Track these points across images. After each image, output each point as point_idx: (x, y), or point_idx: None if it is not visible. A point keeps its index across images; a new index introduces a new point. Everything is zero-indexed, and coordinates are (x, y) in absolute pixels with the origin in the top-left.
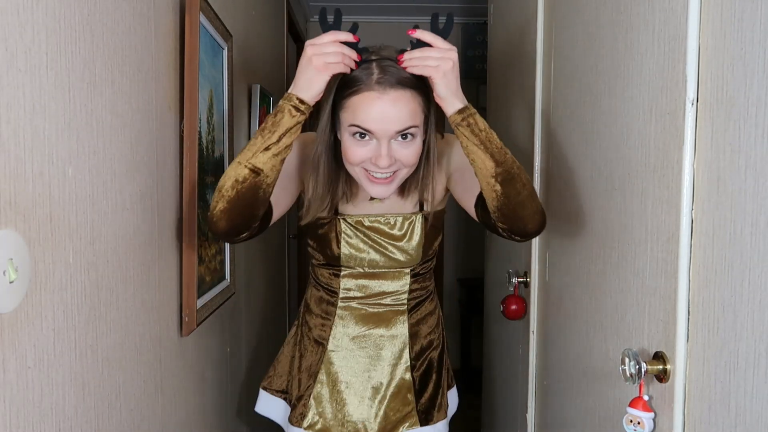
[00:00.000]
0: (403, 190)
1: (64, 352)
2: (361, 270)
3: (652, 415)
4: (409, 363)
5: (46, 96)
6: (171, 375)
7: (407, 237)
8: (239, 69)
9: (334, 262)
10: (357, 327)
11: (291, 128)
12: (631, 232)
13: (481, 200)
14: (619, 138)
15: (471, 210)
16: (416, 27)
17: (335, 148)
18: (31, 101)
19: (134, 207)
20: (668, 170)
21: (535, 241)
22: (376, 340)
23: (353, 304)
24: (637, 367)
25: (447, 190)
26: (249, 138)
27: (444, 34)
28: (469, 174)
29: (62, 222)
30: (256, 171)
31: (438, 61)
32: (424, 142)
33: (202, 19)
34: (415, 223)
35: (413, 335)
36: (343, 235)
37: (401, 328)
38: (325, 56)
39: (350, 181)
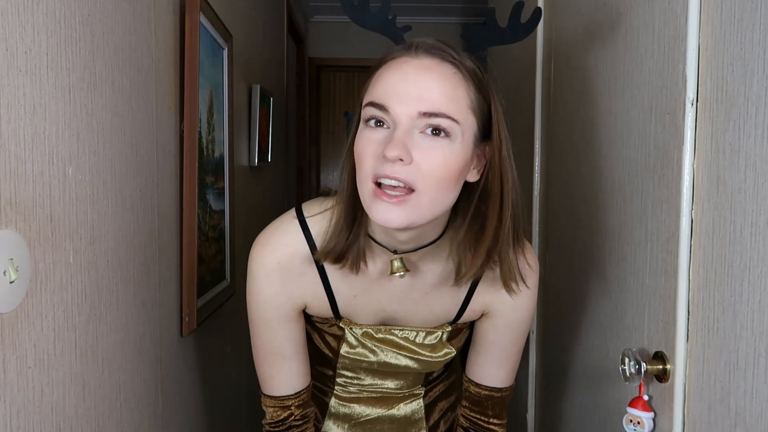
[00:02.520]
0: (458, 266)
1: (65, 352)
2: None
3: (652, 414)
4: None
5: (46, 96)
6: (171, 375)
7: (431, 349)
8: (239, 69)
9: (325, 361)
10: (359, 408)
11: None
12: (631, 232)
13: (474, 366)
14: (619, 138)
15: (467, 357)
16: None
17: None
18: (31, 101)
19: (134, 207)
20: (668, 170)
21: (535, 242)
22: (383, 427)
23: (352, 388)
24: (637, 366)
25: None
26: (249, 138)
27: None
28: (507, 338)
29: (62, 222)
30: None
31: None
32: (483, 175)
33: (202, 19)
34: (442, 336)
35: (430, 411)
36: (344, 343)
37: (416, 409)
38: None
39: (366, 242)
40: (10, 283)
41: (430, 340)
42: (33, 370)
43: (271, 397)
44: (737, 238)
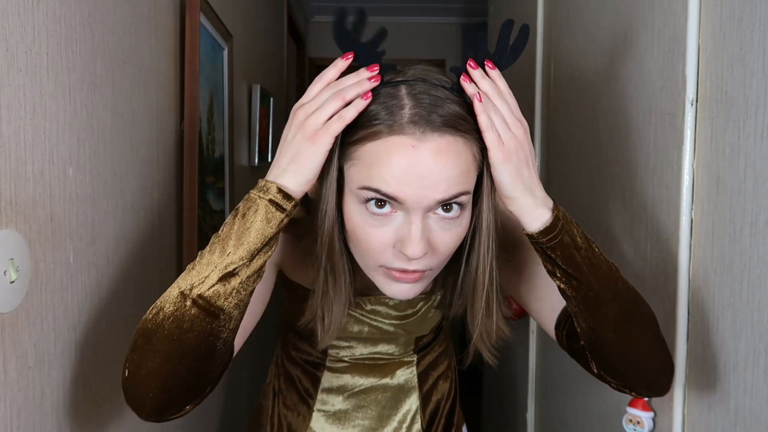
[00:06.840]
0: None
1: (65, 352)
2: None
3: (651, 414)
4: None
5: (46, 96)
6: None
7: (419, 315)
8: (239, 69)
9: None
10: (353, 379)
11: (269, 238)
12: (631, 232)
13: (566, 322)
14: (618, 138)
15: (549, 330)
16: (472, 65)
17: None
18: (31, 101)
19: (134, 207)
20: (668, 170)
21: None
22: (377, 396)
23: (345, 357)
24: None
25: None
26: (249, 138)
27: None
28: (544, 273)
29: (63, 222)
30: (210, 311)
31: (505, 126)
32: (472, 216)
33: (202, 19)
34: (434, 302)
35: (423, 379)
36: None
37: (409, 377)
38: (318, 114)
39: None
40: (11, 283)
41: (423, 304)
42: (33, 370)
43: None
44: (737, 238)
